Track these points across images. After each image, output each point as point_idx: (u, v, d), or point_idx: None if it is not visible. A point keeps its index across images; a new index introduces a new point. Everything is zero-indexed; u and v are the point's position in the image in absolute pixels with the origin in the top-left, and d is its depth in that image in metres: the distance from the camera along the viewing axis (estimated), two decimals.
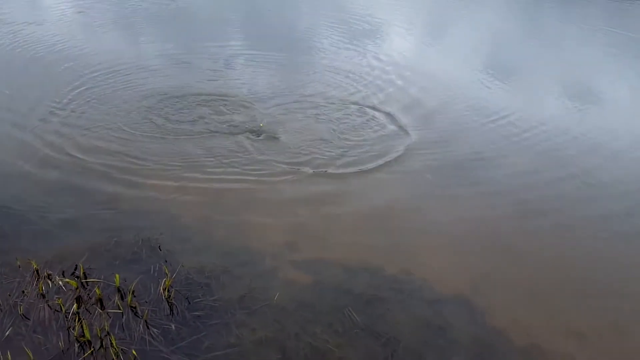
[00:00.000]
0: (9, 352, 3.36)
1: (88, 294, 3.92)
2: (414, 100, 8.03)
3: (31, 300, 3.81)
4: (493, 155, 6.60)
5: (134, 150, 5.98)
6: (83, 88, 7.54)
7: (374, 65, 9.38)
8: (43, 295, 3.87)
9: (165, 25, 11.62)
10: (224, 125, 6.69)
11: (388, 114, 7.34)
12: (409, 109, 7.64)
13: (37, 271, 4.06)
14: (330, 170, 5.91)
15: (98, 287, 3.92)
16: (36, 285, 3.95)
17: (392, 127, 7.01)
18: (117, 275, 4.00)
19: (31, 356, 3.34)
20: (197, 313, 3.85)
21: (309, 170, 5.87)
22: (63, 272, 4.11)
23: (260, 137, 6.45)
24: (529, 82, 9.55)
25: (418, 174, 6.06)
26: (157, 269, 4.22)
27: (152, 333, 3.64)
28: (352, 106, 7.56)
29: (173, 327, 3.72)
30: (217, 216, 5.04)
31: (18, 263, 4.13)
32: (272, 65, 9.12)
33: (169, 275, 4.07)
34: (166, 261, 4.32)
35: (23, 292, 3.90)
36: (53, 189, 5.23)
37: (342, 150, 6.35)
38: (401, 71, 9.17)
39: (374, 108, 7.55)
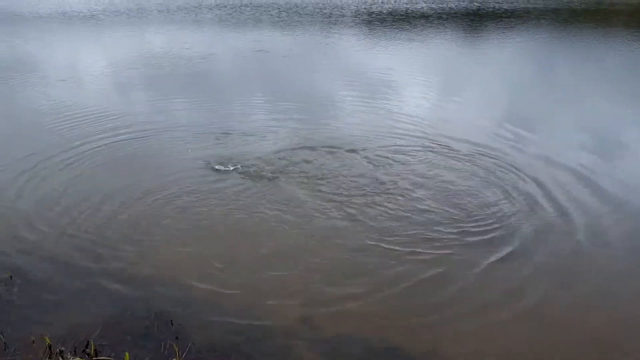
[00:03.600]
0: None
1: None
2: None
3: None
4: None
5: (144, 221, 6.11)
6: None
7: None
8: None
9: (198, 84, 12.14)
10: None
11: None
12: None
13: (50, 347, 4.08)
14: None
15: None
16: None
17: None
18: (126, 354, 3.98)
19: None
20: None
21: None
22: (75, 348, 4.12)
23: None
24: None
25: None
26: (167, 346, 4.19)
27: None
28: None
29: None
30: (229, 287, 5.02)
31: (32, 338, 4.16)
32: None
33: (178, 354, 4.03)
34: (177, 337, 4.28)
35: None
36: (69, 259, 5.32)
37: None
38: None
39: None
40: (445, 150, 8.41)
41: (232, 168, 7.40)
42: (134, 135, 8.94)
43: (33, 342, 4.15)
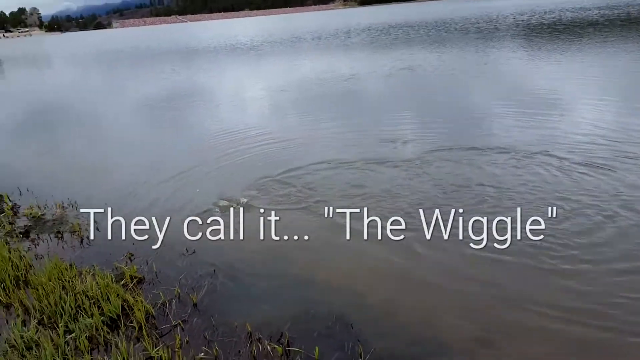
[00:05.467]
0: None
1: None
2: None
3: None
4: None
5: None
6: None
7: None
8: (254, 358, 4.36)
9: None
10: None
11: None
12: None
13: (250, 334, 4.61)
14: None
15: (300, 357, 4.27)
16: (249, 347, 4.48)
17: None
18: (317, 348, 4.31)
19: None
20: None
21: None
22: (270, 337, 4.59)
23: None
24: None
25: None
26: (350, 347, 4.41)
27: None
28: None
29: None
30: (405, 299, 5.10)
31: (235, 324, 4.77)
32: None
33: (362, 356, 4.22)
34: (358, 340, 4.49)
35: (239, 352, 4.45)
36: (262, 258, 5.96)
37: None
38: None
39: None
40: None
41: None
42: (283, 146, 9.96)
43: (236, 327, 4.74)
